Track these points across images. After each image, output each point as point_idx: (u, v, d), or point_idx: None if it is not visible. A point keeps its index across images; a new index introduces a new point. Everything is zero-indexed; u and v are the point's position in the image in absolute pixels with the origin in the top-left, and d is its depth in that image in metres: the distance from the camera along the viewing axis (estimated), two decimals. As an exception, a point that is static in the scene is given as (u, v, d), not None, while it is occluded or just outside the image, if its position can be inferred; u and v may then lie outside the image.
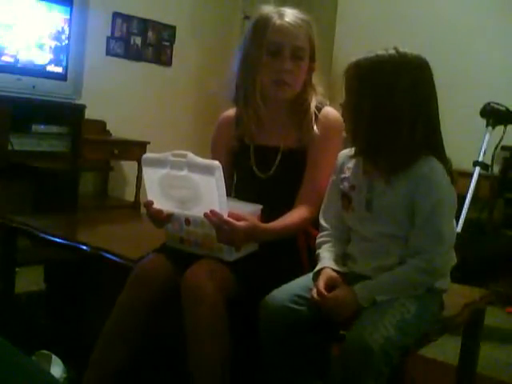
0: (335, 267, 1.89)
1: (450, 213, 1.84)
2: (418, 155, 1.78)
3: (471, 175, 3.69)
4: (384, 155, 1.80)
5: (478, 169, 3.70)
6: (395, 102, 1.75)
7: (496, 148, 3.83)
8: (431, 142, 1.81)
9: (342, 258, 1.95)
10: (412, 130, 1.76)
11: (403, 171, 1.79)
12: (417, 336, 1.78)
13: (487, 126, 3.72)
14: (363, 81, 1.79)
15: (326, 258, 1.92)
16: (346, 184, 1.94)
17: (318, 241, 2.01)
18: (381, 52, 1.80)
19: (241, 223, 1.88)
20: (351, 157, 1.94)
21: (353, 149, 1.94)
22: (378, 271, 1.82)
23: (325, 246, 1.97)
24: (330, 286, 1.81)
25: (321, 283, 1.81)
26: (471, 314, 2.17)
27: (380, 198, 1.84)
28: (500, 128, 3.74)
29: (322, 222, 2.02)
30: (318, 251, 1.98)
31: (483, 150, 3.71)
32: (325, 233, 2.00)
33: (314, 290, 1.81)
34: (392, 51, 1.79)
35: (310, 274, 1.93)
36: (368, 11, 5.28)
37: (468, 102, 4.16)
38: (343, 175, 1.96)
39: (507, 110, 3.71)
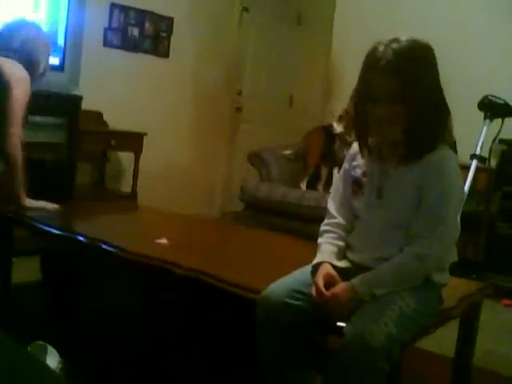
0: (335, 262, 1.89)
1: (455, 204, 1.84)
2: (439, 140, 1.81)
3: (468, 168, 3.69)
4: (416, 139, 1.79)
5: (475, 162, 3.70)
6: (434, 84, 1.79)
7: (493, 141, 3.83)
8: (447, 125, 1.85)
9: (344, 250, 1.95)
10: (439, 114, 1.80)
11: (420, 158, 1.80)
12: (416, 330, 1.78)
13: (485, 119, 3.72)
14: (415, 62, 1.77)
15: (327, 252, 1.92)
16: (358, 170, 1.95)
17: (322, 228, 2.01)
18: (410, 38, 1.81)
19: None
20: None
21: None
22: (377, 262, 1.82)
23: (327, 236, 1.96)
24: (329, 282, 1.80)
25: (320, 281, 1.80)
26: (468, 306, 2.17)
27: (392, 186, 1.85)
28: (498, 121, 3.74)
29: (330, 208, 2.02)
30: (319, 239, 1.98)
31: (481, 143, 3.71)
32: (331, 221, 2.00)
33: (313, 289, 1.80)
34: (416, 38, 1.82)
35: (307, 267, 1.93)
36: (366, 8, 5.26)
37: (466, 95, 4.15)
38: (355, 162, 1.97)
39: (505, 103, 3.71)
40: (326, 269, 1.85)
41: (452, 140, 1.90)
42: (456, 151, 1.88)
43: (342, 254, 1.95)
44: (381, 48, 1.77)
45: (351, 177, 1.97)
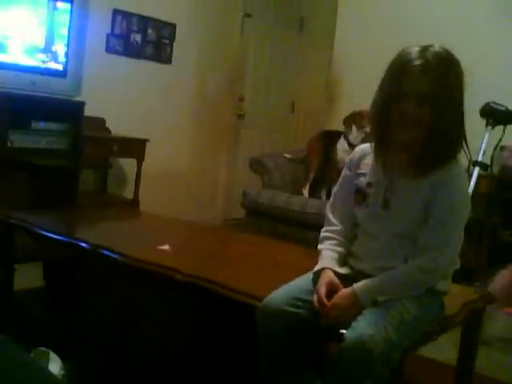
0: (336, 269, 1.89)
1: (462, 219, 1.85)
2: (453, 155, 1.83)
3: (470, 175, 3.68)
4: (434, 146, 1.80)
5: (477, 169, 3.69)
6: (461, 96, 1.85)
7: (495, 148, 3.83)
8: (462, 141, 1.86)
9: (345, 256, 1.95)
10: (460, 126, 1.84)
11: (431, 172, 1.80)
12: (417, 337, 1.78)
13: (487, 125, 3.72)
14: (449, 68, 1.82)
15: (328, 258, 1.92)
16: (362, 179, 1.93)
17: (322, 235, 2.01)
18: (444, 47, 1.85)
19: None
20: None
21: (370, 145, 1.94)
22: (380, 271, 1.82)
23: (328, 243, 1.96)
24: (331, 290, 1.81)
25: (322, 289, 1.80)
26: (470, 313, 2.17)
27: (399, 198, 1.84)
28: (499, 128, 3.74)
29: (330, 215, 2.02)
30: (320, 246, 1.98)
31: (482, 149, 3.71)
32: (331, 228, 2.00)
33: (315, 298, 1.80)
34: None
35: (308, 274, 1.93)
36: (369, 10, 5.27)
37: (467, 102, 4.14)
38: (359, 171, 1.96)
39: (507, 110, 3.71)
40: (328, 276, 1.85)
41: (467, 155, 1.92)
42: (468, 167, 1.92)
43: (342, 261, 1.95)
44: (415, 50, 1.79)
45: (354, 185, 1.95)
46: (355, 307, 1.73)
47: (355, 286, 1.78)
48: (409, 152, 1.83)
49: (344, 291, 1.78)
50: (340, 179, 2.04)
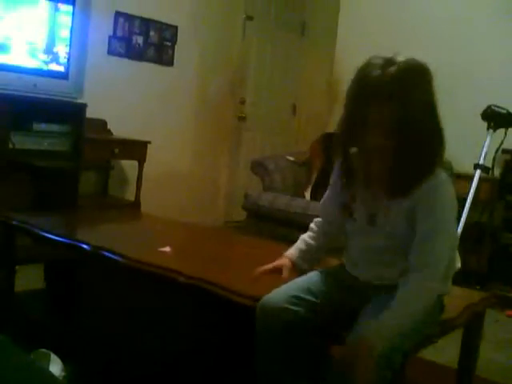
0: (296, 261, 2.00)
1: (449, 227, 1.80)
2: (430, 170, 1.74)
3: (472, 178, 3.69)
4: (403, 173, 1.73)
5: (478, 171, 3.70)
6: (428, 112, 1.70)
7: (497, 151, 3.84)
8: (440, 153, 1.76)
9: (317, 249, 2.03)
10: (431, 144, 1.72)
11: (409, 191, 1.74)
12: (418, 339, 1.78)
13: (488, 128, 3.72)
14: (410, 88, 1.66)
15: (297, 249, 2.03)
16: (345, 193, 1.91)
17: (311, 225, 2.09)
18: (405, 60, 1.68)
19: None
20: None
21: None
22: (378, 279, 1.84)
23: (306, 234, 2.07)
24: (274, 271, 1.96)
25: (268, 267, 1.98)
26: (471, 316, 2.17)
27: (384, 214, 1.82)
28: (501, 131, 3.74)
29: (320, 212, 2.09)
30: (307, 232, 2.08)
31: (484, 152, 3.71)
32: (318, 221, 2.08)
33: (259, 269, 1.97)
34: (408, 59, 1.69)
35: (308, 274, 1.95)
36: (370, 14, 5.28)
37: (469, 105, 4.16)
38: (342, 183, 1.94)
39: (508, 112, 3.72)
40: (283, 262, 1.99)
41: (446, 166, 1.85)
42: (449, 167, 1.83)
43: (311, 253, 2.03)
44: (375, 70, 1.67)
45: (339, 201, 1.94)
46: (371, 352, 1.59)
47: (362, 333, 1.64)
48: (381, 180, 1.80)
49: (361, 358, 1.59)
50: (331, 182, 2.03)
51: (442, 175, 1.76)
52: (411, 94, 1.65)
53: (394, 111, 1.64)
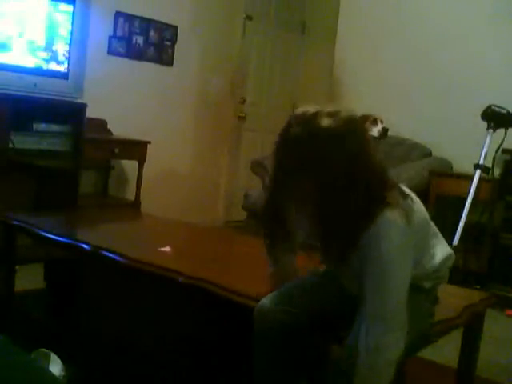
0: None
1: (398, 282, 1.60)
2: (366, 225, 1.57)
3: (472, 178, 3.69)
4: (332, 245, 1.68)
5: (478, 172, 3.70)
6: (360, 169, 1.56)
7: (497, 151, 3.83)
8: (379, 198, 1.59)
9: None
10: (355, 203, 1.56)
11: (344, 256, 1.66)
12: (416, 334, 1.75)
13: (488, 128, 3.72)
14: (329, 149, 1.54)
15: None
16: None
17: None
18: (331, 114, 1.60)
19: None
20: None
21: None
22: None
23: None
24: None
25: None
26: (471, 316, 2.17)
27: (340, 270, 1.83)
28: (501, 131, 3.74)
29: None
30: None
31: (484, 152, 3.72)
32: None
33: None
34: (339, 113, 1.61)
35: (307, 275, 1.95)
36: (370, 14, 5.28)
37: (469, 105, 4.16)
38: None
39: (508, 112, 3.72)
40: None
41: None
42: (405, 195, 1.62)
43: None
44: (295, 127, 1.58)
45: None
46: None
47: None
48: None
49: None
50: None
51: (384, 222, 1.57)
52: (336, 154, 1.53)
53: (317, 182, 1.55)
